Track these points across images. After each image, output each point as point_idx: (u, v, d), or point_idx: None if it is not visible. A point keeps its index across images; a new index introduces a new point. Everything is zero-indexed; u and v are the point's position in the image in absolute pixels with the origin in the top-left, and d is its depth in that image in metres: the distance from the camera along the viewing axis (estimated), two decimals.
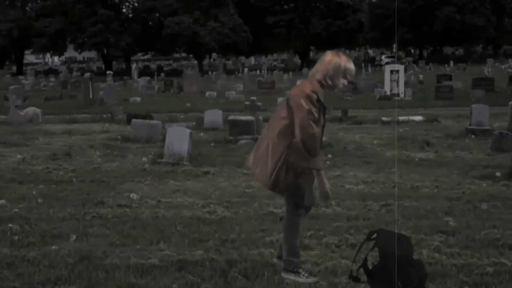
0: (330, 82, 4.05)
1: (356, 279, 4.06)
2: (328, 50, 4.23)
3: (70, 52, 71.95)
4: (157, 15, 57.53)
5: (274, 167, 4.04)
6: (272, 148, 4.06)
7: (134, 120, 13.78)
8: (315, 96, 3.94)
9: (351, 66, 4.08)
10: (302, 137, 3.89)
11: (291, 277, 4.24)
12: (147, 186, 8.16)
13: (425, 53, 71.71)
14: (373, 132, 14.39)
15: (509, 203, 6.83)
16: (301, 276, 4.21)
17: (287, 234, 4.24)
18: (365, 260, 3.93)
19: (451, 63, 51.50)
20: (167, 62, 77.71)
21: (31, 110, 18.27)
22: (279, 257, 4.46)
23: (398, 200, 6.97)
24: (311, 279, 4.23)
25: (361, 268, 4.02)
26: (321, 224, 5.83)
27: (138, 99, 26.36)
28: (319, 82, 4.05)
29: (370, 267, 3.98)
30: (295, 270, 4.22)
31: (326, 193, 4.14)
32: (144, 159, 10.29)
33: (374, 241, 3.93)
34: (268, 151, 4.09)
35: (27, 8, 64.67)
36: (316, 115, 3.91)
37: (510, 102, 13.92)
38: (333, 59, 4.04)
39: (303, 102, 3.90)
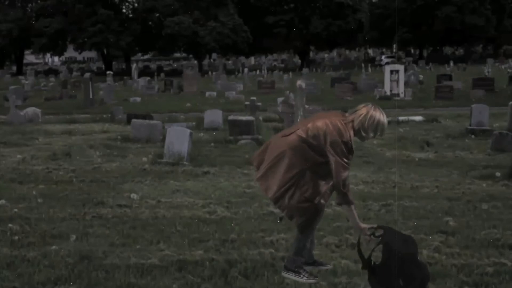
0: (364, 134, 4.00)
1: (368, 265, 4.00)
2: (368, 104, 4.11)
3: (70, 52, 71.90)
4: (157, 15, 57.51)
5: (284, 183, 3.97)
6: (289, 162, 3.98)
7: (134, 120, 13.77)
8: (350, 144, 3.92)
9: (385, 122, 4.03)
10: (337, 178, 3.89)
11: (292, 276, 4.22)
12: (147, 186, 8.16)
13: (425, 53, 71.69)
14: None
15: (509, 203, 6.83)
16: (302, 276, 4.20)
17: (298, 237, 4.21)
18: (370, 256, 3.92)
19: (451, 63, 51.44)
20: (167, 62, 77.68)
21: (31, 110, 18.26)
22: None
23: (398, 200, 6.97)
24: (311, 280, 4.22)
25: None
26: (321, 224, 5.82)
27: (138, 99, 26.35)
28: (354, 129, 3.98)
29: (373, 263, 3.96)
30: (296, 269, 4.20)
31: (360, 229, 4.03)
32: (144, 159, 10.29)
33: (379, 238, 3.92)
34: (282, 162, 4.01)
35: (27, 8, 64.60)
36: (347, 160, 3.90)
37: (510, 102, 13.91)
38: (373, 114, 3.98)
39: (343, 147, 3.89)
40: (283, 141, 4.09)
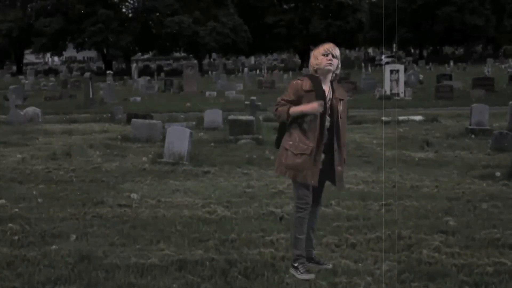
0: (316, 62, 4.32)
1: None
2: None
3: (70, 52, 71.97)
4: (157, 15, 57.50)
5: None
6: None
7: (134, 120, 13.77)
8: (297, 87, 4.29)
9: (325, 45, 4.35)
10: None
11: (292, 271, 4.38)
12: (147, 186, 8.16)
13: (425, 53, 71.69)
14: (373, 132, 14.38)
15: (509, 203, 6.83)
16: (298, 271, 4.31)
17: (292, 228, 4.44)
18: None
19: (451, 63, 51.46)
20: (167, 62, 77.65)
21: (31, 110, 18.25)
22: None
23: (398, 200, 6.97)
24: (307, 276, 4.30)
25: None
26: (321, 224, 5.83)
27: (138, 99, 26.35)
28: (313, 72, 4.37)
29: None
30: (294, 264, 4.36)
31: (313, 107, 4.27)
32: (144, 159, 10.29)
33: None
34: None
35: (27, 8, 64.56)
36: (285, 98, 4.30)
37: (510, 102, 13.92)
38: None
39: (287, 91, 4.39)
40: None
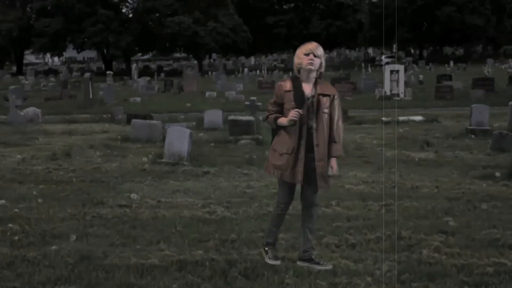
0: (298, 61, 4.42)
1: None
2: None
3: (70, 52, 71.93)
4: (157, 15, 57.49)
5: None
6: None
7: (134, 120, 13.77)
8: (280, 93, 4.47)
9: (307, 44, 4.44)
10: None
11: (263, 253, 4.74)
12: (147, 186, 8.16)
13: (425, 53, 71.67)
14: (373, 132, 14.39)
15: (509, 203, 6.83)
16: (267, 256, 4.67)
17: (269, 220, 4.89)
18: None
19: (451, 63, 51.44)
20: (167, 62, 77.62)
21: (31, 110, 18.26)
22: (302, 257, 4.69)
23: (398, 200, 6.97)
24: (274, 262, 4.62)
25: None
26: (321, 224, 5.83)
27: (138, 99, 26.34)
28: (297, 72, 4.49)
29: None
30: (265, 248, 4.71)
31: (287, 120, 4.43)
32: (144, 159, 10.29)
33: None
34: None
35: (27, 8, 64.58)
36: (272, 101, 4.51)
37: (510, 102, 13.92)
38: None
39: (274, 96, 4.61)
40: None
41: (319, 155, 4.38)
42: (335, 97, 4.46)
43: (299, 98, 4.35)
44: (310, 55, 4.35)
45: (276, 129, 4.51)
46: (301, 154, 4.36)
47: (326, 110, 4.38)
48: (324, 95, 4.40)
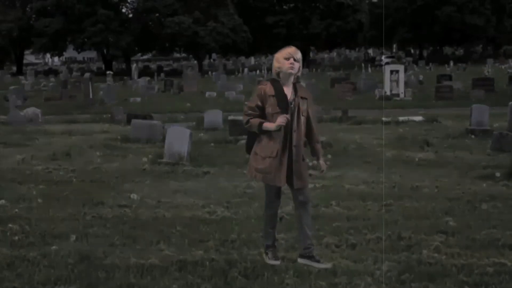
0: (277, 65, 4.48)
1: None
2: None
3: (70, 52, 71.92)
4: (157, 15, 57.50)
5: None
6: None
7: (134, 120, 13.78)
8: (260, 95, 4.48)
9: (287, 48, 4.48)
10: None
11: (264, 256, 4.80)
12: (147, 186, 8.16)
13: (425, 53, 71.68)
14: (373, 132, 14.39)
15: (509, 203, 6.83)
16: (267, 257, 4.74)
17: (264, 223, 4.86)
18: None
19: (451, 63, 51.45)
20: (167, 62, 77.67)
21: (31, 110, 18.26)
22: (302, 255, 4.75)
23: (398, 200, 6.97)
24: (274, 262, 4.68)
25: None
26: (321, 224, 5.83)
27: (138, 99, 26.34)
28: (276, 75, 4.53)
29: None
30: (266, 251, 4.77)
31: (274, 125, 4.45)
32: (144, 159, 10.29)
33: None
34: None
35: (27, 8, 64.59)
36: (252, 105, 4.50)
37: (510, 102, 13.90)
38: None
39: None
40: None
41: (296, 156, 4.49)
42: (310, 99, 4.61)
43: (283, 102, 4.42)
44: (290, 59, 4.43)
45: (259, 133, 4.50)
46: (284, 157, 4.44)
47: (304, 113, 4.51)
48: (303, 98, 4.52)
